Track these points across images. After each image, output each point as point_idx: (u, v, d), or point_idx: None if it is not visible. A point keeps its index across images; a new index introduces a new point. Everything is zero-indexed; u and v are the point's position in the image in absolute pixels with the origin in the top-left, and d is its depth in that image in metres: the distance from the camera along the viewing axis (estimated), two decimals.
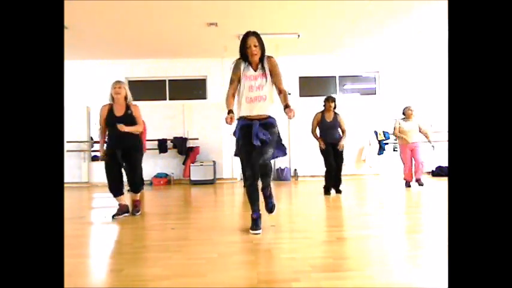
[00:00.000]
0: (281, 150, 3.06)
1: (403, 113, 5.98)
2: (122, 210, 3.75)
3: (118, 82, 3.74)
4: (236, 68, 2.93)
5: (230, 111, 2.81)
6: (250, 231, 2.88)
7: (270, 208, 3.06)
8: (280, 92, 2.88)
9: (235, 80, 2.92)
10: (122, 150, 3.64)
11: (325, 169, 5.16)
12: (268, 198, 3.06)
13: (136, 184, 3.83)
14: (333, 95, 5.54)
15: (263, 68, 2.90)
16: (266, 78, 2.87)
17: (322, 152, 5.12)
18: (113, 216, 3.66)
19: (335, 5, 5.46)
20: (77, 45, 6.93)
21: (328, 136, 5.09)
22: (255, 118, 2.86)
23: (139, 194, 3.92)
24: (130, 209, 3.83)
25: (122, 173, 3.77)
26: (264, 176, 2.99)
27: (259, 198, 2.99)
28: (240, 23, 6.10)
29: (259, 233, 2.85)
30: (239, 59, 2.94)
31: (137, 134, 3.76)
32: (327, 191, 5.16)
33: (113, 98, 3.71)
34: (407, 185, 5.87)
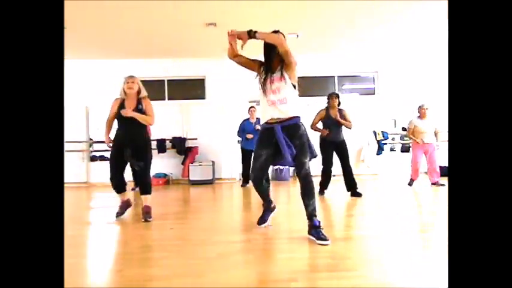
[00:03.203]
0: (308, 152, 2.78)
1: (418, 112, 5.95)
2: (125, 206, 3.68)
3: (131, 77, 3.61)
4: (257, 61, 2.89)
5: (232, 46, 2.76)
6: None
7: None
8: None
9: (250, 60, 2.89)
10: (131, 149, 3.50)
11: (322, 167, 5.05)
12: (318, 227, 2.66)
13: (149, 185, 3.67)
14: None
15: (280, 70, 2.77)
16: (285, 80, 2.74)
17: (323, 149, 4.94)
18: (117, 216, 3.61)
19: (334, 5, 5.46)
20: (77, 45, 6.91)
21: (332, 134, 4.91)
22: (276, 122, 2.72)
23: (149, 198, 3.68)
24: (141, 214, 3.61)
25: (125, 170, 3.63)
26: (306, 194, 2.70)
27: (268, 192, 3.06)
28: (239, 23, 6.07)
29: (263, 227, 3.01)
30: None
31: (147, 132, 3.63)
32: (321, 191, 5.06)
33: (125, 93, 3.57)
34: (410, 183, 5.86)
